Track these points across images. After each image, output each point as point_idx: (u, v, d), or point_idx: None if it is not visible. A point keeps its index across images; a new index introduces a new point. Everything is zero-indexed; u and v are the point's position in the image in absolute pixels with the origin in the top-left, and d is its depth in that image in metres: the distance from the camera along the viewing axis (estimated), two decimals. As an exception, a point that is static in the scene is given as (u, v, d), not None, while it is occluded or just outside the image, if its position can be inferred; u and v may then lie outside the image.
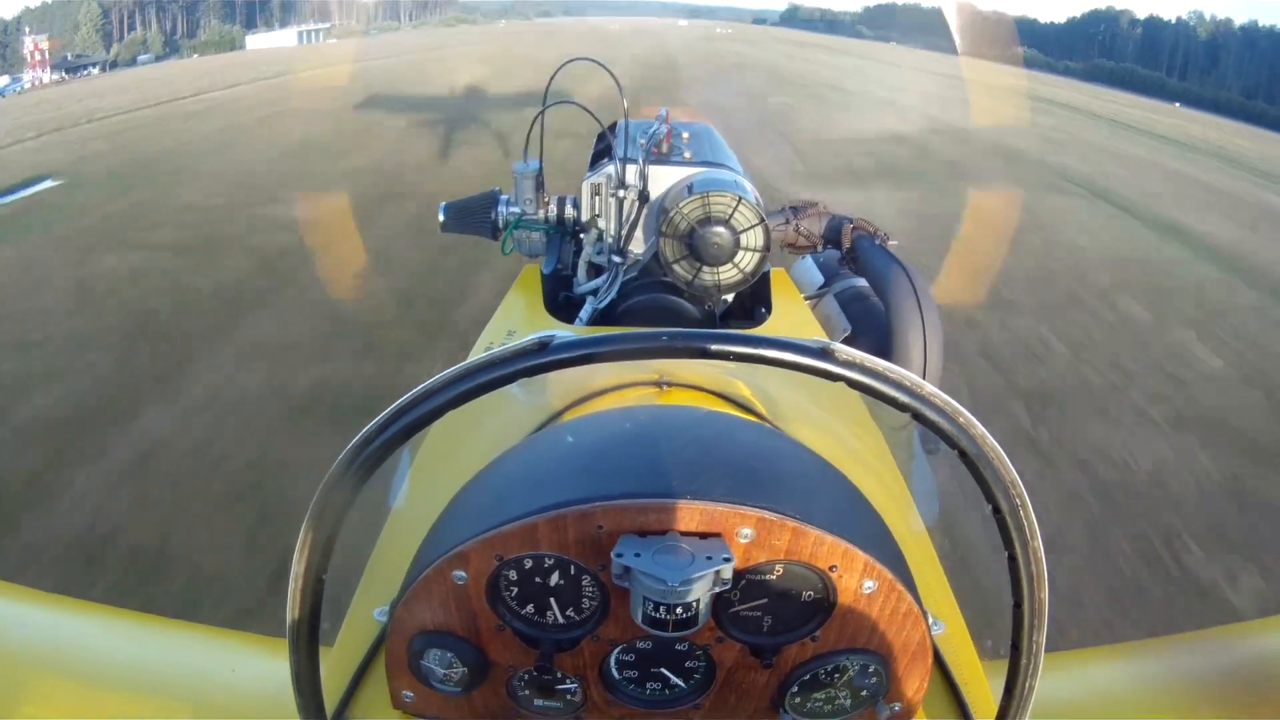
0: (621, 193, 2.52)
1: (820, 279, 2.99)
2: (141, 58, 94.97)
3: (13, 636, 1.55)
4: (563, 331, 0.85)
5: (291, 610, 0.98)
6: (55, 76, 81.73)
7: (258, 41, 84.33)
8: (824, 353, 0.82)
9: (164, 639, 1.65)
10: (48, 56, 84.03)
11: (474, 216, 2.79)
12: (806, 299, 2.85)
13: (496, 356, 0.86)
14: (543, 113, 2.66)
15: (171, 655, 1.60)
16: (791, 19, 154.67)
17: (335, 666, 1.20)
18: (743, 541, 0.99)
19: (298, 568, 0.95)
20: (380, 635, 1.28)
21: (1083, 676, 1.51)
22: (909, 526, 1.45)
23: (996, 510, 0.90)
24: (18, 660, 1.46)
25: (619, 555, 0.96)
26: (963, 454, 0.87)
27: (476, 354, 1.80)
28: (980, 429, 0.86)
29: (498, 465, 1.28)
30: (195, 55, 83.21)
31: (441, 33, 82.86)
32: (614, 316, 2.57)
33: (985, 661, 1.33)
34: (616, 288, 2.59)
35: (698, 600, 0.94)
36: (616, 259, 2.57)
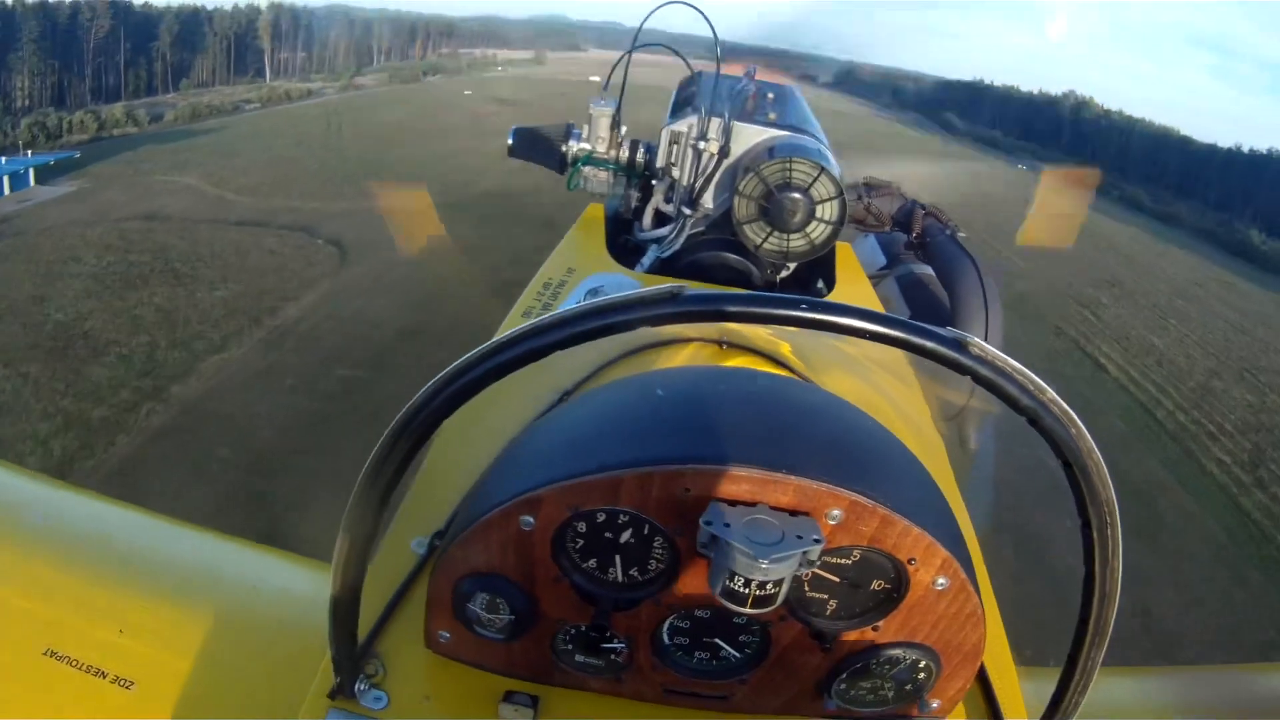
0: (702, 145, 2.65)
1: (883, 260, 3.24)
2: None
3: (40, 529, 1.70)
4: (687, 286, 0.90)
5: (344, 537, 1.02)
6: None
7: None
8: (959, 344, 0.88)
9: (188, 544, 1.79)
10: None
11: (543, 146, 3.00)
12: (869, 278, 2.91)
13: (620, 301, 0.91)
14: (630, 53, 2.90)
15: (194, 562, 1.75)
16: (846, 81, 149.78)
17: (366, 595, 1.15)
18: (831, 523, 1.03)
19: (361, 491, 1.00)
20: (416, 568, 1.35)
21: (1129, 693, 1.53)
22: (958, 513, 1.37)
23: (1086, 524, 0.97)
24: (42, 553, 1.60)
25: (708, 523, 0.99)
26: (1067, 464, 0.94)
27: (536, 284, 2.60)
28: (1091, 443, 0.93)
29: (575, 408, 1.35)
30: None
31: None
32: (675, 269, 2.75)
33: (1019, 667, 1.36)
34: (682, 240, 2.79)
35: (781, 579, 0.97)
36: (686, 211, 2.74)
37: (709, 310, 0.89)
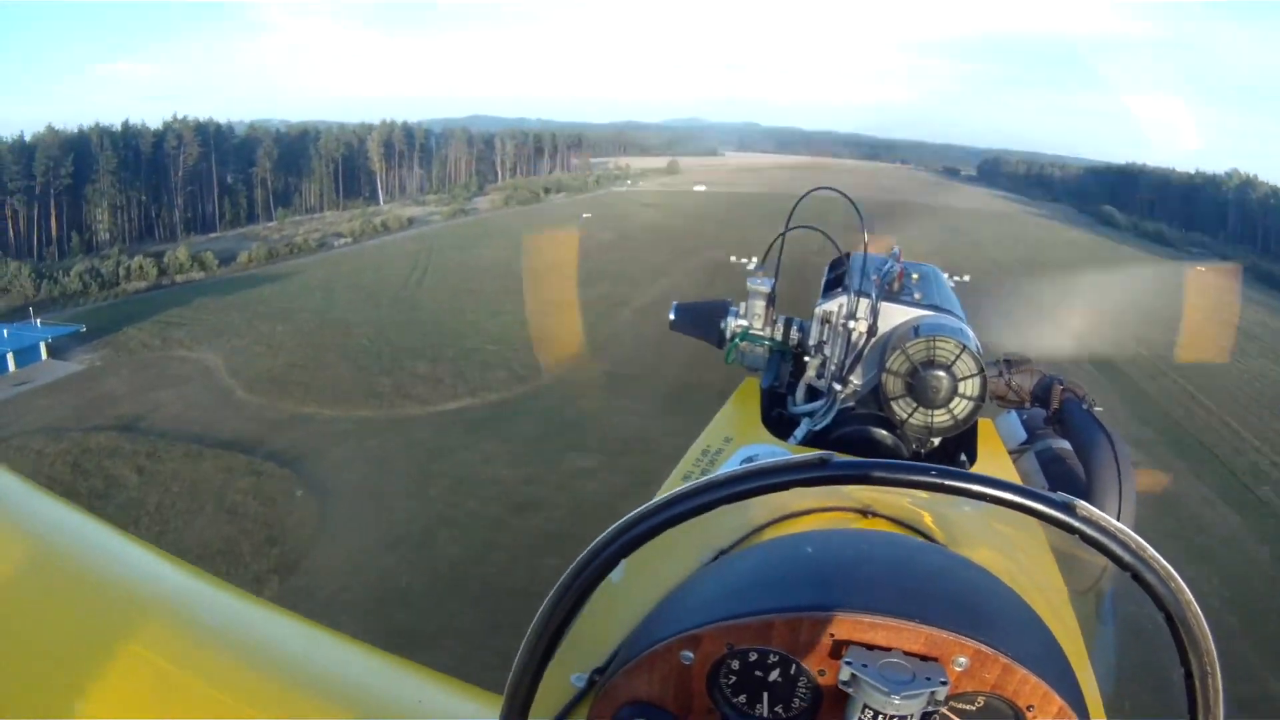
0: (851, 324, 2.64)
1: (1023, 435, 3.08)
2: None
3: (215, 632, 1.85)
4: (836, 455, 1.01)
5: (517, 671, 1.14)
6: None
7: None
8: (1067, 507, 0.99)
9: (355, 658, 1.90)
10: None
11: (703, 321, 3.01)
12: (1009, 453, 2.91)
13: (776, 465, 1.03)
14: (784, 234, 2.98)
15: (363, 676, 1.86)
16: (992, 175, 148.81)
17: None
18: (957, 669, 1.11)
19: (535, 630, 1.12)
20: (575, 699, 1.42)
21: None
22: (1085, 678, 1.46)
23: (1189, 675, 1.05)
24: (216, 654, 1.75)
25: (848, 663, 1.10)
26: (1169, 616, 1.01)
27: (694, 453, 2.58)
28: (1189, 596, 1.01)
29: (733, 561, 1.51)
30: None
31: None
32: (826, 442, 2.65)
33: None
34: (833, 414, 2.69)
35: (910, 715, 1.07)
36: (836, 386, 2.66)
37: (853, 474, 1.03)
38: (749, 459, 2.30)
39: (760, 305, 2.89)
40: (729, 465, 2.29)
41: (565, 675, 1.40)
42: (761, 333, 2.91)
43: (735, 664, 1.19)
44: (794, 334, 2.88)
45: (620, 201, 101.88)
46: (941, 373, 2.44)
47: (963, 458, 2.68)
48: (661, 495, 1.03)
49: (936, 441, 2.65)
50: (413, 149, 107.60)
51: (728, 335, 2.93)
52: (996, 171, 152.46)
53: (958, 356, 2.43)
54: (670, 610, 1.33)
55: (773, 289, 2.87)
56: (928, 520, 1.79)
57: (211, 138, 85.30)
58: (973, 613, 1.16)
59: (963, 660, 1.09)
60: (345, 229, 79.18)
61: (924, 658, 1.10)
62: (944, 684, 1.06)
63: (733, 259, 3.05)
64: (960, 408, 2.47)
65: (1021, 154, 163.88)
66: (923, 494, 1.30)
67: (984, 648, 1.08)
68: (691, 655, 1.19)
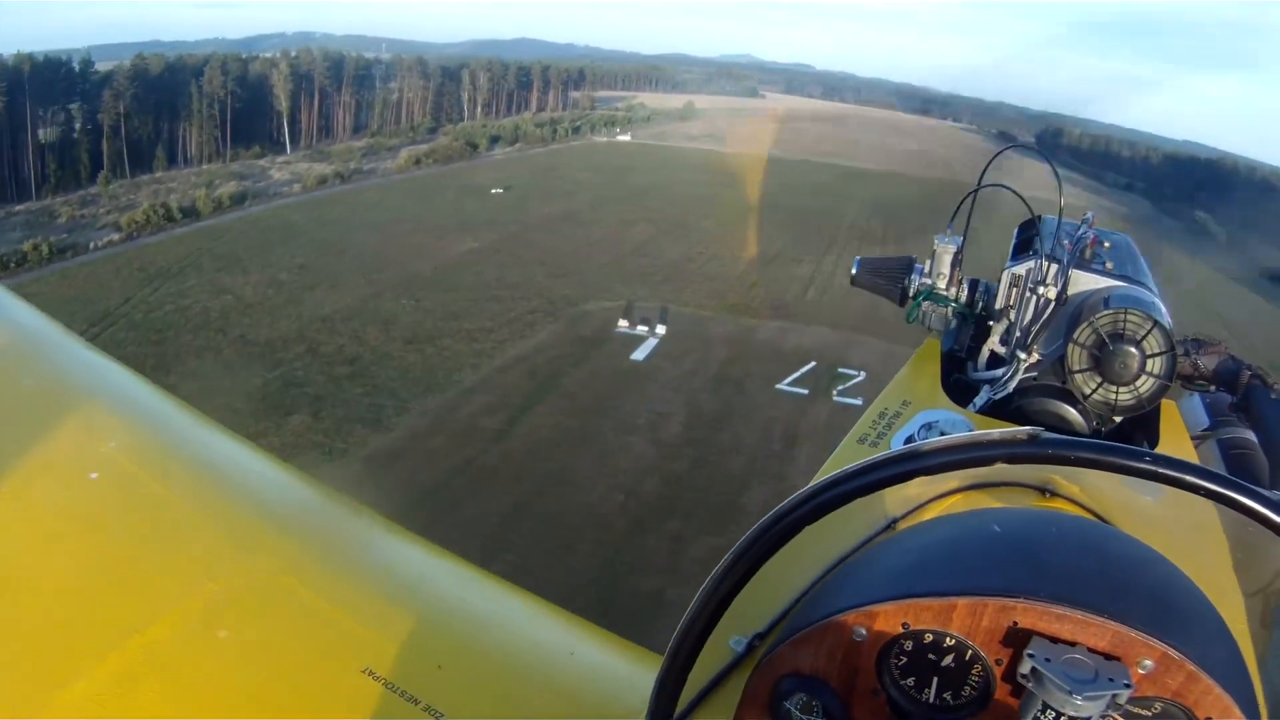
0: (1041, 289, 2.54)
1: (1205, 421, 2.95)
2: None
3: (374, 564, 1.95)
4: (1046, 432, 1.00)
5: (683, 630, 1.15)
6: None
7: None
8: None
9: (510, 604, 1.96)
10: None
11: (885, 278, 2.86)
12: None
13: (982, 439, 1.02)
14: (975, 193, 2.78)
15: (516, 620, 1.91)
16: (1051, 146, 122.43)
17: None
18: (1141, 672, 1.08)
19: (706, 593, 1.12)
20: (732, 663, 1.44)
21: None
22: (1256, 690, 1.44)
23: None
24: (371, 584, 1.83)
25: (1031, 655, 1.08)
26: None
27: (873, 412, 2.44)
28: None
29: (912, 535, 1.47)
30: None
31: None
32: (1005, 411, 2.56)
33: None
34: (1015, 382, 2.60)
35: (1090, 717, 1.05)
36: (1020, 354, 2.57)
37: (1065, 455, 0.99)
38: (928, 425, 2.26)
39: (946, 264, 2.76)
40: (907, 430, 2.29)
41: (723, 638, 1.39)
42: (946, 293, 2.79)
43: (909, 644, 1.16)
44: (979, 296, 2.77)
45: (580, 161, 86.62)
46: (1130, 348, 2.33)
47: (1143, 442, 2.47)
48: (836, 461, 1.00)
49: (1117, 420, 2.55)
50: (340, 82, 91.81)
51: (910, 293, 2.81)
52: (1057, 143, 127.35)
53: (1148, 332, 2.31)
54: (846, 582, 1.30)
55: (959, 249, 2.76)
56: (1105, 503, 1.74)
57: (26, 76, 68.62)
58: (1164, 613, 1.11)
59: (1148, 663, 1.05)
60: (125, 219, 59.26)
61: (1108, 656, 1.06)
62: (1127, 687, 1.03)
63: None
64: (1145, 386, 2.37)
65: (1086, 123, 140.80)
66: (1101, 474, 1.20)
67: (1171, 652, 1.04)
68: (865, 632, 1.16)
